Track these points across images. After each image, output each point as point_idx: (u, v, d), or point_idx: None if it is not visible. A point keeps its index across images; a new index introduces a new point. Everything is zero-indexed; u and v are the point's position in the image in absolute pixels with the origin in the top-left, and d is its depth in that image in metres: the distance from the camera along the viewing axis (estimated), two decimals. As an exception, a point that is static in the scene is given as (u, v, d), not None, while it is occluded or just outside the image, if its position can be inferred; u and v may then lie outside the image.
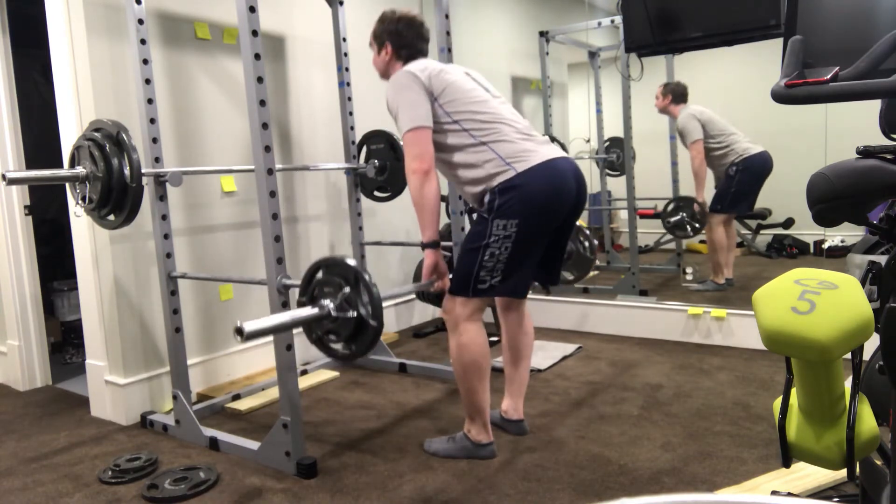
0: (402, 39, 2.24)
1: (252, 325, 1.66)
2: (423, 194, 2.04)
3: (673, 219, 4.35)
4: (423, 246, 2.14)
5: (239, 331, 1.63)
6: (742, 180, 4.12)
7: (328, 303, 1.82)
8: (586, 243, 3.51)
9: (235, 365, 3.14)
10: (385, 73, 2.30)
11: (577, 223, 3.45)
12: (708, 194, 4.25)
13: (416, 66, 2.13)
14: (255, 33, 2.07)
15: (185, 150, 2.91)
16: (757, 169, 4.11)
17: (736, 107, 4.28)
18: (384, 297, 1.86)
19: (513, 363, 2.37)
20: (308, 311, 1.81)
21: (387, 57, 2.27)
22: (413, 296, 4.09)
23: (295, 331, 3.04)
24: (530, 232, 2.05)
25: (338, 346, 1.86)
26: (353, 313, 1.78)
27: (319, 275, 1.87)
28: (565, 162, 2.11)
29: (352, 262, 1.81)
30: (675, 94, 4.24)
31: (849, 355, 1.03)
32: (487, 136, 2.07)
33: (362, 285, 1.78)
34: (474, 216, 2.19)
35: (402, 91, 2.08)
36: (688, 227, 4.33)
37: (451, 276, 2.20)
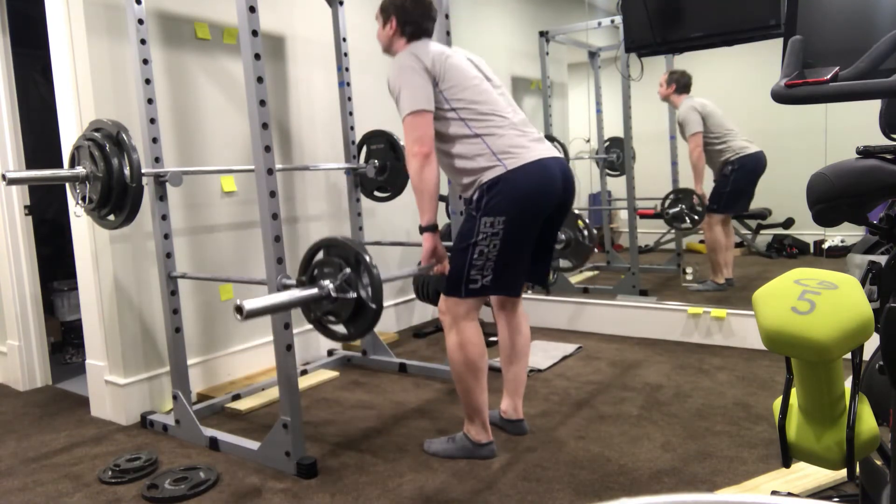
0: (408, 15, 2.20)
1: (252, 304, 1.65)
2: (422, 178, 2.04)
3: (672, 210, 4.34)
4: (422, 230, 2.13)
5: (239, 309, 1.63)
6: (737, 179, 4.12)
7: (328, 283, 1.81)
8: (585, 231, 3.50)
9: (235, 365, 3.13)
10: (388, 48, 2.27)
11: (576, 213, 3.46)
12: (707, 187, 4.25)
13: (419, 47, 2.11)
14: (255, 33, 2.07)
15: (185, 150, 2.91)
16: (751, 168, 4.11)
17: (736, 107, 4.28)
18: (384, 279, 1.86)
19: (510, 363, 2.38)
20: (308, 291, 1.80)
21: (391, 32, 2.23)
22: (413, 295, 4.09)
23: (295, 330, 3.03)
24: (518, 229, 2.05)
25: (337, 328, 1.86)
26: (352, 294, 1.77)
27: (320, 255, 1.86)
28: (554, 161, 2.12)
29: (352, 242, 1.80)
30: (680, 83, 4.23)
31: (849, 355, 1.03)
32: (482, 128, 2.07)
33: (363, 266, 1.76)
34: (461, 214, 2.20)
35: (404, 73, 2.07)
36: (686, 218, 4.32)
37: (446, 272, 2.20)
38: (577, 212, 3.48)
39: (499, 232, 2.04)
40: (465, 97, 2.09)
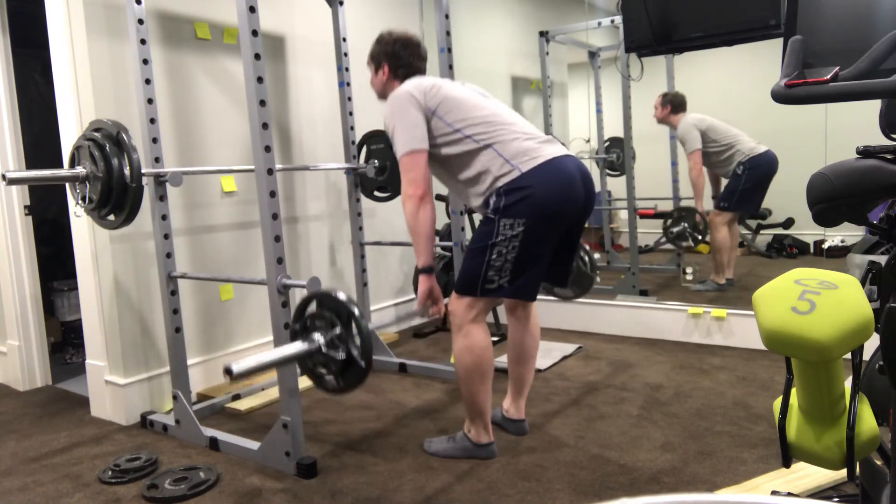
0: (399, 59, 2.26)
1: (240, 366, 1.63)
2: (418, 220, 2.05)
3: (675, 229, 4.35)
4: (418, 271, 2.14)
5: (228, 371, 1.61)
6: (750, 178, 4.11)
7: (319, 337, 1.79)
8: (586, 258, 3.46)
9: (235, 365, 3.13)
10: (382, 93, 2.32)
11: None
12: (707, 204, 4.26)
13: (412, 84, 2.13)
14: (255, 33, 2.07)
15: (185, 150, 2.91)
16: (764, 168, 4.10)
17: (736, 107, 4.28)
18: (377, 328, 1.82)
19: (517, 363, 2.37)
20: (297, 346, 1.77)
21: (384, 77, 2.29)
22: (413, 296, 4.09)
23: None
24: (538, 233, 2.03)
25: (329, 378, 1.83)
26: (342, 354, 1.74)
27: (312, 307, 1.83)
28: (571, 161, 2.09)
29: (344, 297, 1.75)
30: (674, 104, 4.24)
31: (849, 355, 1.03)
32: (489, 137, 2.06)
33: (354, 323, 1.73)
34: (475, 216, 2.19)
35: (398, 112, 2.09)
36: (689, 238, 4.33)
37: (456, 276, 2.19)
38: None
39: (518, 234, 2.01)
40: (467, 115, 2.08)
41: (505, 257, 2.04)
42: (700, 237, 4.27)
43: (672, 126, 4.31)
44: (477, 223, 3.57)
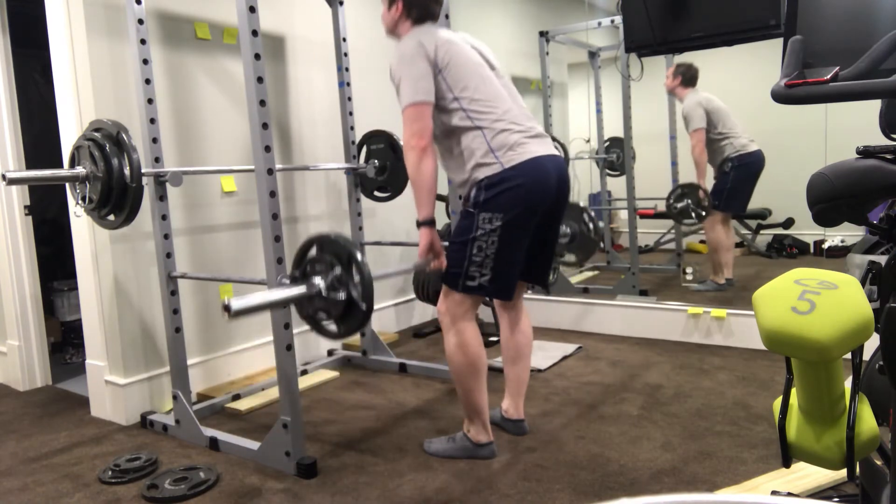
0: None
1: (239, 303, 1.63)
2: (420, 171, 2.02)
3: (679, 205, 4.33)
4: (419, 224, 2.11)
5: (226, 308, 1.61)
6: (737, 177, 4.11)
7: (319, 281, 1.78)
8: (591, 224, 3.42)
9: (235, 365, 3.13)
10: (392, 30, 2.23)
11: (581, 206, 3.43)
12: (708, 183, 4.24)
13: (423, 33, 2.08)
14: (255, 33, 2.07)
15: (185, 150, 2.91)
16: (751, 168, 4.11)
17: (736, 107, 4.28)
18: (378, 275, 1.82)
19: (512, 362, 2.37)
20: (297, 289, 1.77)
21: (396, 14, 2.18)
22: (413, 295, 4.09)
23: (295, 330, 3.03)
24: (514, 227, 2.05)
25: (328, 324, 1.82)
26: (342, 295, 1.74)
27: (313, 251, 1.83)
28: (550, 159, 2.10)
29: (346, 240, 1.76)
30: (686, 76, 4.20)
31: (849, 355, 1.03)
32: (483, 120, 2.06)
33: (355, 266, 1.73)
34: (458, 211, 2.18)
35: (406, 62, 2.03)
36: (693, 214, 4.31)
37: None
38: (582, 205, 3.45)
39: (496, 229, 2.03)
40: (469, 86, 2.06)
41: (485, 252, 2.05)
42: (704, 213, 4.25)
43: (679, 99, 4.28)
44: None
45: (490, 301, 3.30)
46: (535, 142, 2.10)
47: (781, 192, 4.40)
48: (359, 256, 1.73)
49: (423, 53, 2.03)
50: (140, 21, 2.43)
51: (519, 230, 2.07)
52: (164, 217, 2.50)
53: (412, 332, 3.98)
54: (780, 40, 1.06)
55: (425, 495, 2.00)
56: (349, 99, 3.30)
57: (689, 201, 4.30)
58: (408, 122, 2.03)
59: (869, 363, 1.32)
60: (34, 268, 3.27)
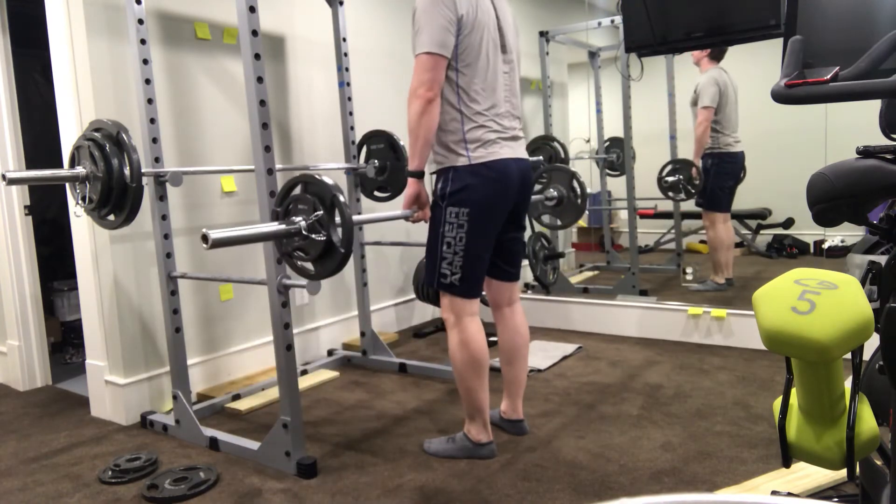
0: None
1: (218, 235, 1.65)
2: (420, 122, 2.00)
3: (670, 179, 4.32)
4: (409, 174, 2.11)
5: (204, 238, 1.63)
6: (717, 177, 4.11)
7: (300, 220, 1.79)
8: (578, 190, 3.40)
9: (235, 365, 3.14)
10: None
11: (571, 171, 3.43)
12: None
13: None
14: (255, 33, 2.07)
15: (185, 150, 2.91)
16: (728, 168, 4.10)
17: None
18: (359, 220, 1.83)
19: (509, 363, 2.37)
20: (276, 226, 1.79)
21: None
22: (413, 295, 4.09)
23: (295, 330, 3.03)
24: (480, 224, 2.08)
25: (306, 264, 1.83)
26: (322, 236, 1.75)
27: (297, 190, 1.83)
28: (516, 163, 2.14)
29: (329, 182, 1.77)
30: (715, 49, 4.13)
31: (849, 355, 1.03)
32: (468, 106, 2.06)
33: (337, 209, 1.73)
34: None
35: (430, 9, 1.98)
36: (682, 190, 4.30)
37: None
38: (572, 170, 3.43)
39: (463, 224, 2.07)
40: (472, 64, 2.05)
41: (454, 250, 2.08)
42: (693, 191, 4.25)
43: (701, 70, 4.21)
44: None
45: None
46: (508, 144, 2.13)
47: (781, 192, 4.41)
48: (341, 199, 1.73)
49: (452, 6, 1.98)
50: (140, 21, 2.43)
51: (485, 227, 2.10)
52: (164, 217, 2.50)
53: (412, 332, 3.98)
54: (780, 40, 1.07)
55: (425, 495, 2.00)
56: (349, 99, 3.30)
57: (681, 177, 4.29)
58: (419, 69, 1.98)
59: (869, 363, 1.32)
60: (34, 268, 3.27)
